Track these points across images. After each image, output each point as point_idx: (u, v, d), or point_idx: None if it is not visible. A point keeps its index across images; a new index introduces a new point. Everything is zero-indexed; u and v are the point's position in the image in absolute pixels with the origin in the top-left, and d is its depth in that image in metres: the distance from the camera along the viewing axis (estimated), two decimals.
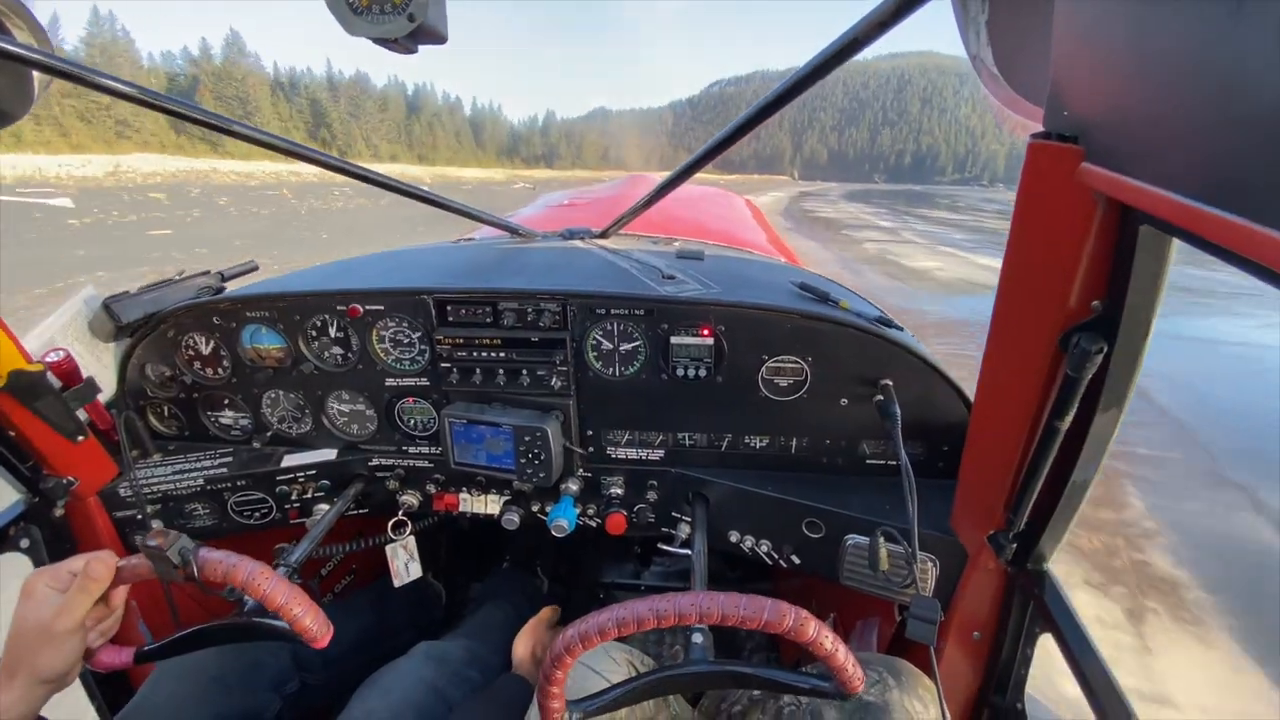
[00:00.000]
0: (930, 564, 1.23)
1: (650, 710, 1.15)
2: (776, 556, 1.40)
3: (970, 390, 1.30)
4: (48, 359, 1.27)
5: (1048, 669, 1.09)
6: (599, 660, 1.21)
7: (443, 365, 1.41)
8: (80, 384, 1.32)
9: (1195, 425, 6.01)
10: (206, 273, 1.65)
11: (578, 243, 1.98)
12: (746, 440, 1.43)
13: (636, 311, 1.34)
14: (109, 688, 1.45)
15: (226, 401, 1.56)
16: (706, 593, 0.82)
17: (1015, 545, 1.07)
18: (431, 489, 1.56)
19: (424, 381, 1.47)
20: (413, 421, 1.53)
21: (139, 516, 1.45)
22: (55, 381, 1.26)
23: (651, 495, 1.48)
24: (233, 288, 1.63)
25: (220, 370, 1.51)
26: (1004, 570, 1.15)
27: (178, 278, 1.58)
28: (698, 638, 1.06)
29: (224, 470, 1.49)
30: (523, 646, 1.46)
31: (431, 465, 1.55)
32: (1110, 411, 0.84)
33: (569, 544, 1.44)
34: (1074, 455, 0.91)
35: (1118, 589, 3.60)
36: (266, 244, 16.68)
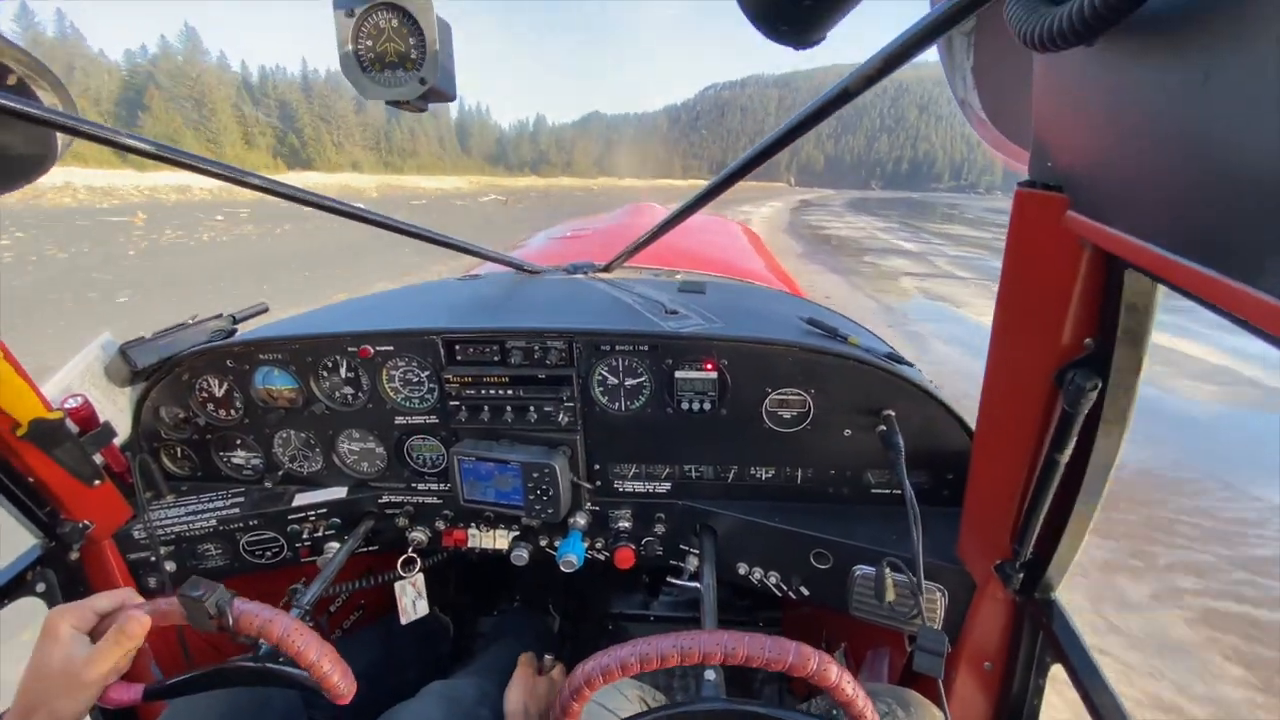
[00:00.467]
0: (939, 593, 1.24)
1: None
2: (785, 588, 1.41)
3: (969, 418, 1.32)
4: (66, 405, 1.29)
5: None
6: (608, 695, 1.21)
7: (451, 403, 1.44)
8: (97, 428, 1.35)
9: None
10: (219, 316, 1.68)
11: (581, 277, 2.01)
12: (752, 472, 1.44)
13: (641, 347, 1.37)
14: None
15: (239, 442, 1.58)
16: (731, 632, 0.83)
17: (1022, 574, 1.08)
18: (440, 525, 1.58)
19: (433, 419, 1.49)
20: (422, 458, 1.55)
21: (153, 559, 1.47)
22: (73, 427, 1.29)
23: (659, 528, 1.49)
24: (244, 329, 1.67)
25: (233, 411, 1.53)
26: (1012, 600, 1.15)
27: (191, 322, 1.62)
28: (710, 674, 1.06)
29: (236, 510, 1.51)
30: (515, 698, 1.39)
31: (440, 501, 1.56)
32: (1109, 442, 0.86)
33: (577, 576, 1.44)
34: (1076, 485, 0.92)
35: None
36: None
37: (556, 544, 1.49)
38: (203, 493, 1.57)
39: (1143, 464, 5.21)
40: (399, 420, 1.50)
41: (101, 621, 0.97)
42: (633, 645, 0.85)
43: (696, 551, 1.46)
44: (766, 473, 1.44)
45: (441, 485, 1.55)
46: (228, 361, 1.48)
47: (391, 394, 1.48)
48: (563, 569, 1.42)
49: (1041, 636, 1.11)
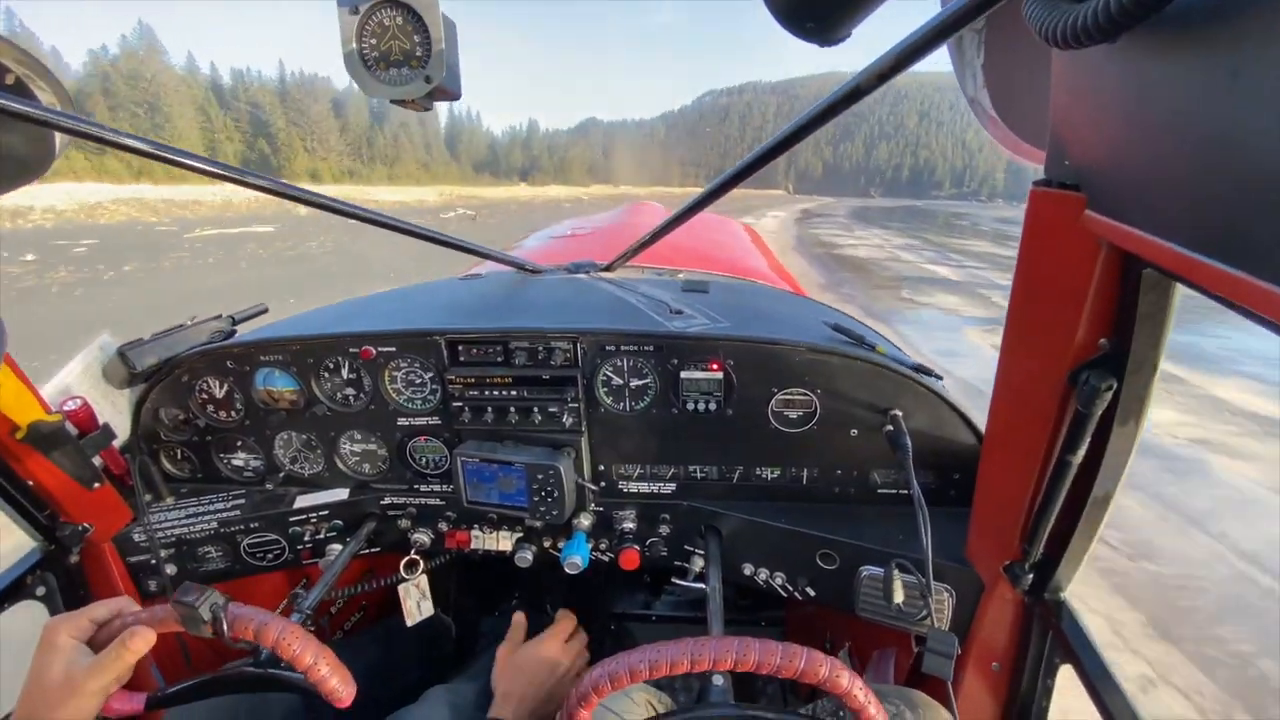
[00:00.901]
0: (946, 594, 1.23)
1: None
2: (791, 589, 1.40)
3: (975, 419, 1.32)
4: (65, 407, 1.28)
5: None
6: (614, 699, 1.20)
7: (454, 404, 1.43)
8: (96, 431, 1.33)
9: None
10: (218, 317, 1.67)
11: (583, 277, 2.00)
12: (758, 472, 1.44)
13: (646, 348, 1.36)
14: None
15: (239, 443, 1.57)
16: (742, 638, 0.82)
17: (1032, 575, 1.07)
18: (443, 527, 1.57)
19: (436, 420, 1.48)
20: (424, 460, 1.53)
21: (153, 561, 1.45)
22: (72, 430, 1.28)
23: (664, 529, 1.48)
24: (243, 330, 1.65)
25: (233, 413, 1.52)
26: (1021, 600, 1.15)
27: (189, 323, 1.60)
28: (718, 679, 1.05)
29: (237, 512, 1.50)
30: (506, 679, 1.38)
31: (443, 503, 1.55)
32: (1123, 444, 0.85)
33: (580, 576, 1.43)
34: (1088, 485, 0.91)
35: None
36: None
37: (560, 545, 1.48)
38: (203, 495, 1.56)
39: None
40: (401, 421, 1.49)
41: (100, 630, 0.96)
42: (642, 651, 0.84)
43: (702, 552, 1.45)
44: (772, 473, 1.43)
45: (444, 487, 1.54)
46: (228, 363, 1.47)
47: (394, 395, 1.47)
48: (567, 571, 1.41)
49: (1051, 637, 1.10)
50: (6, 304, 12.91)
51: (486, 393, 1.41)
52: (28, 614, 1.29)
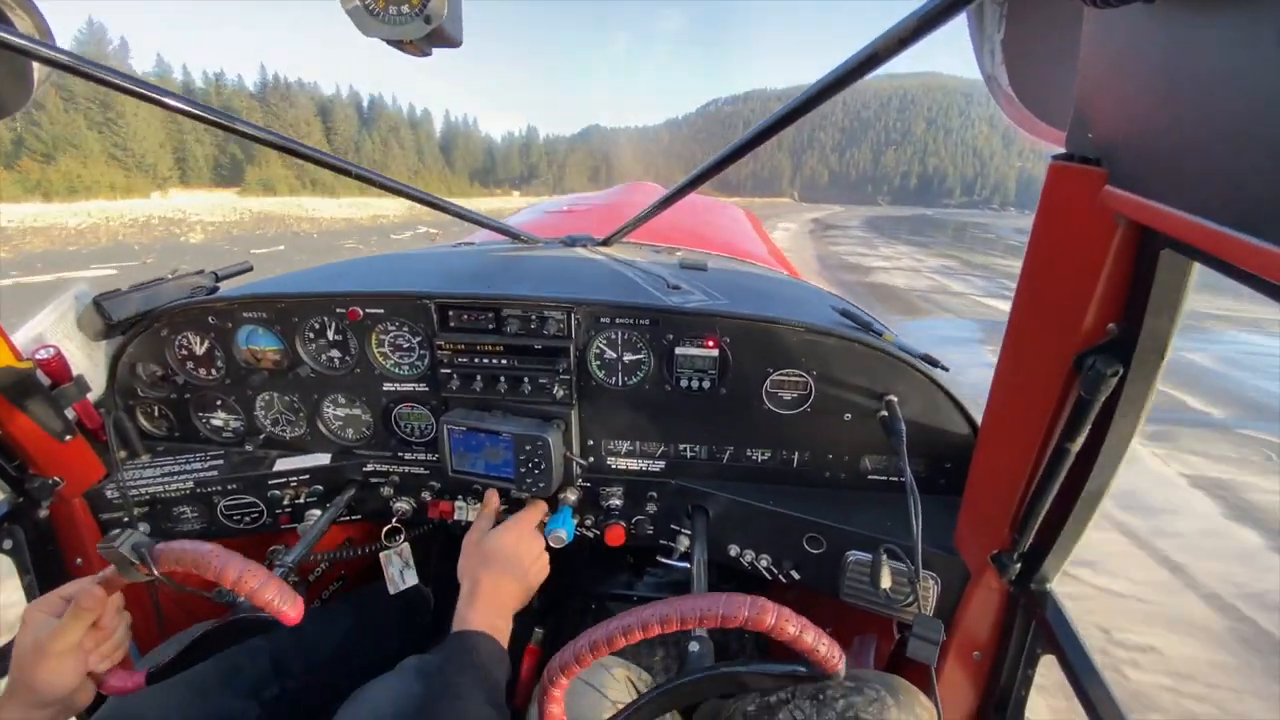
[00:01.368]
0: (932, 582, 1.22)
1: None
2: (776, 571, 1.39)
3: (971, 408, 1.30)
4: (37, 356, 1.24)
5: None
6: (595, 674, 1.19)
7: (443, 371, 1.39)
8: (69, 382, 1.29)
9: None
10: (200, 272, 1.62)
11: (580, 250, 1.96)
12: (748, 453, 1.42)
13: (642, 321, 1.33)
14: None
15: (219, 403, 1.53)
16: (666, 600, 0.82)
17: (1019, 565, 1.07)
18: (426, 496, 1.54)
19: (423, 387, 1.44)
20: (410, 427, 1.50)
21: (125, 519, 1.42)
22: (44, 379, 1.23)
23: (651, 507, 1.47)
24: (226, 288, 1.61)
25: (214, 371, 1.48)
26: (1006, 590, 1.15)
27: (170, 276, 1.55)
28: (694, 646, 1.05)
29: (214, 473, 1.46)
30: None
31: (427, 472, 1.52)
32: (1122, 433, 0.84)
33: (561, 554, 1.41)
34: (1083, 476, 0.90)
35: None
36: None
37: (546, 519, 1.46)
38: (180, 454, 1.52)
39: None
40: (387, 387, 1.45)
41: (68, 606, 0.98)
42: (584, 636, 0.85)
43: (688, 532, 1.44)
44: (763, 455, 1.42)
45: (429, 455, 1.51)
46: (209, 318, 1.42)
47: (380, 359, 1.44)
48: (551, 544, 1.39)
49: (1034, 627, 1.10)
50: None
51: (476, 360, 1.38)
52: None
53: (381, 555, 1.56)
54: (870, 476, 1.40)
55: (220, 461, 1.50)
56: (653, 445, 1.44)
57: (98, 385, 1.44)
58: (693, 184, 1.57)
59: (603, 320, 1.34)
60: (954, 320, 12.93)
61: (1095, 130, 0.67)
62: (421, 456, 1.52)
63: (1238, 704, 3.09)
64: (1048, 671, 1.09)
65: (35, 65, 1.11)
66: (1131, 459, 0.85)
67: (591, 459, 1.46)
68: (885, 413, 1.28)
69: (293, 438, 1.54)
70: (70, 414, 1.31)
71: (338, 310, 1.39)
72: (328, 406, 1.50)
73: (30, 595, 1.34)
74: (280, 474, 1.48)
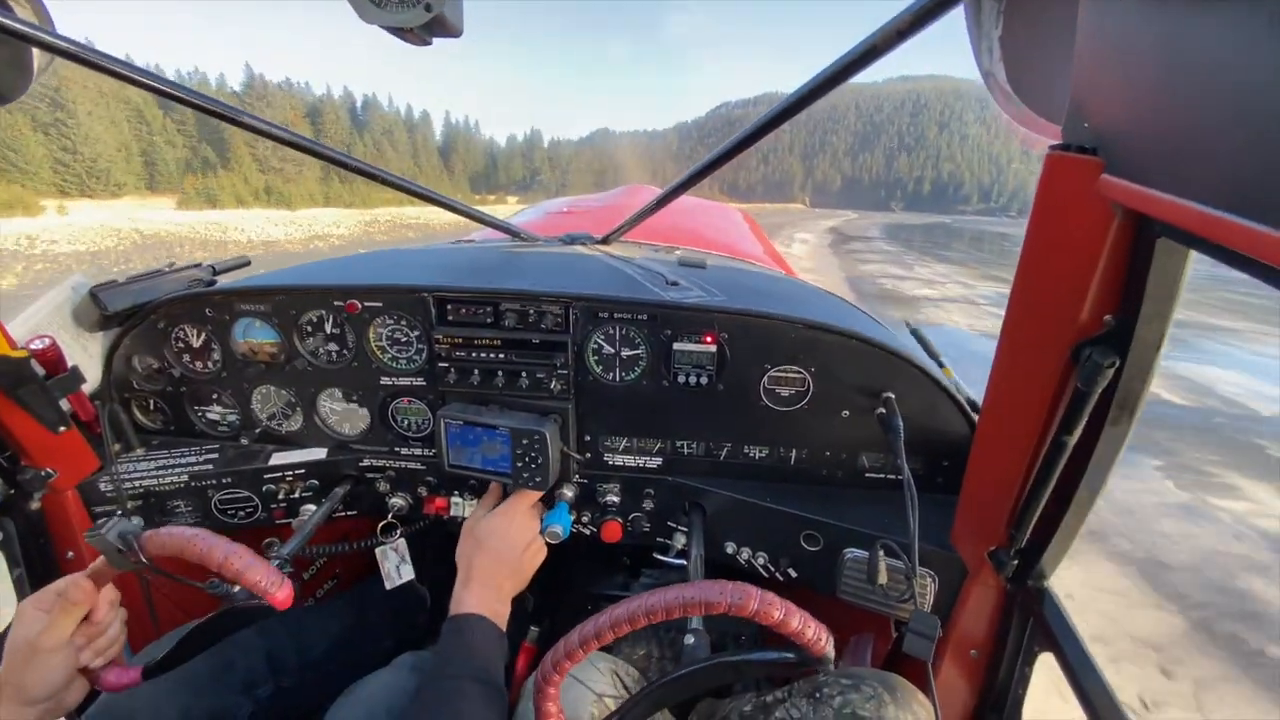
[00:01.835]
0: (929, 579, 1.22)
1: None
2: (773, 569, 1.38)
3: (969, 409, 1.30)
4: (32, 346, 1.23)
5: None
6: (581, 669, 1.19)
7: (440, 365, 1.39)
8: (64, 373, 1.28)
9: None
10: (198, 265, 1.62)
11: (579, 247, 1.96)
12: (746, 450, 1.42)
13: (640, 316, 1.33)
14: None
15: (215, 396, 1.52)
16: (649, 593, 0.82)
17: (1016, 562, 1.07)
18: (422, 492, 1.53)
19: (420, 381, 1.44)
20: (406, 422, 1.50)
21: (119, 512, 1.41)
22: (39, 369, 1.23)
23: (648, 504, 1.46)
24: (224, 281, 1.60)
25: (210, 364, 1.47)
26: (1003, 587, 1.14)
27: (167, 269, 1.55)
28: (690, 639, 1.04)
29: (209, 467, 1.45)
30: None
31: (424, 467, 1.52)
32: (1119, 426, 0.84)
33: (556, 552, 1.41)
34: (1080, 471, 0.90)
35: None
36: None
37: (542, 516, 1.46)
38: (174, 447, 1.51)
39: None
40: (384, 381, 1.45)
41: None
42: (578, 630, 0.84)
43: (684, 529, 1.43)
44: (760, 452, 1.41)
45: (425, 450, 1.51)
46: (207, 310, 1.42)
47: (378, 353, 1.43)
48: (548, 541, 1.38)
49: (1031, 624, 1.09)
50: None
51: (474, 354, 1.38)
52: None
53: (377, 550, 1.55)
54: (868, 474, 1.40)
55: (215, 455, 1.49)
56: (650, 441, 1.44)
57: (93, 377, 1.43)
58: (693, 179, 1.57)
59: (601, 315, 1.34)
60: None
61: (1091, 119, 0.68)
62: (418, 451, 1.51)
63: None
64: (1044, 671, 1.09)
65: (35, 52, 1.11)
66: None
67: (589, 454, 1.46)
68: (883, 410, 1.28)
69: (289, 432, 1.53)
70: (65, 405, 1.31)
71: (336, 303, 1.39)
72: (324, 400, 1.50)
73: (20, 589, 1.32)
74: (276, 468, 1.47)
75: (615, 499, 1.46)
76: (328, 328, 1.42)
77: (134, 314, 1.43)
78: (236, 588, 1.02)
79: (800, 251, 29.29)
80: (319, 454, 1.50)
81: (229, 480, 1.46)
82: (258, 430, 1.53)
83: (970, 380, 1.42)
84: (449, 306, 1.37)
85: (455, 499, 1.51)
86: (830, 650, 0.81)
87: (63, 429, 1.29)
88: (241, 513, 1.49)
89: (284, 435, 1.53)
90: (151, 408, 1.54)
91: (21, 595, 1.30)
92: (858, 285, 19.24)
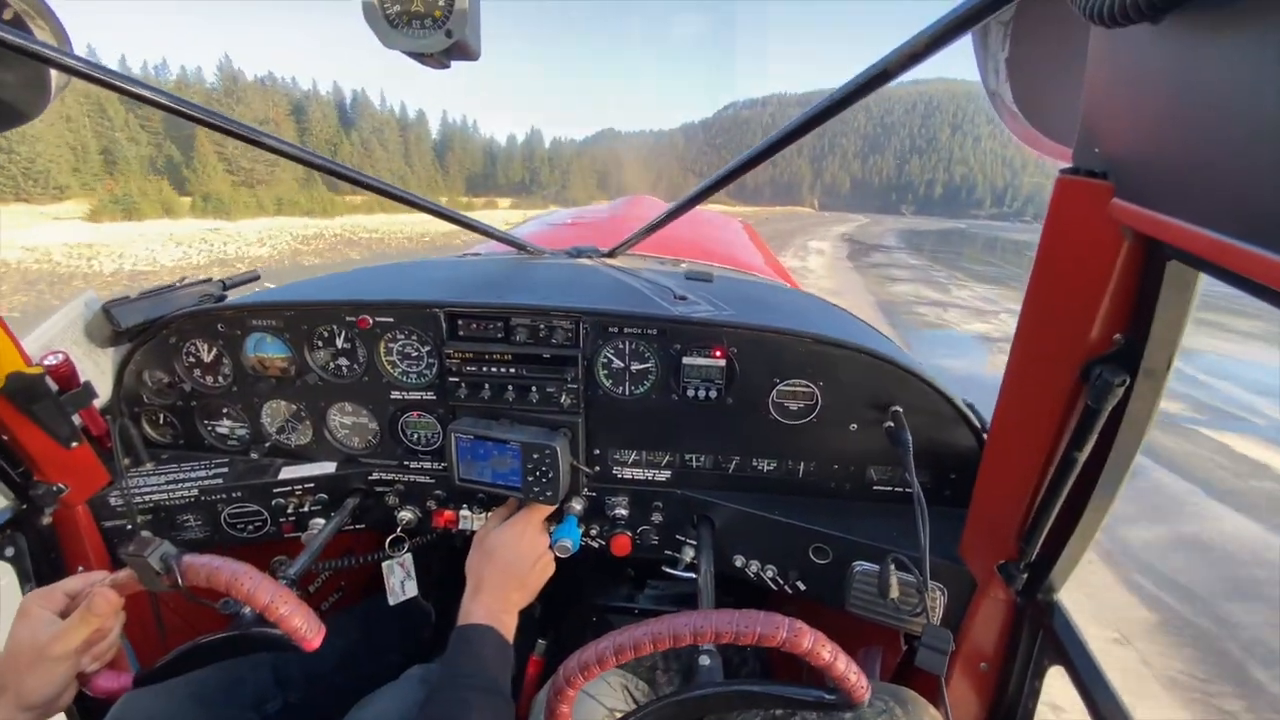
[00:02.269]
0: (939, 593, 1.23)
1: None
2: (781, 582, 1.39)
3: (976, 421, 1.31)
4: (46, 362, 1.24)
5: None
6: (591, 684, 1.19)
7: (451, 380, 1.40)
8: (77, 388, 1.29)
9: None
10: (208, 280, 1.63)
11: (586, 261, 1.98)
12: (754, 463, 1.42)
13: (650, 331, 1.34)
14: (88, 711, 1.39)
15: (225, 410, 1.52)
16: (700, 612, 0.82)
17: (1026, 575, 1.07)
18: (431, 505, 1.54)
19: (431, 396, 1.45)
20: (416, 436, 1.50)
21: (129, 526, 1.41)
22: (52, 385, 1.23)
23: (657, 517, 1.47)
24: (234, 296, 1.61)
25: (221, 379, 1.48)
26: (1013, 600, 1.15)
27: (179, 284, 1.56)
28: (705, 660, 1.04)
29: (219, 481, 1.46)
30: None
31: (433, 481, 1.52)
32: (1129, 443, 0.85)
33: (564, 565, 1.41)
34: (1090, 485, 0.91)
35: None
36: None
37: (552, 529, 1.46)
38: (184, 461, 1.51)
39: None
40: (395, 395, 1.46)
41: (72, 602, 0.96)
42: (607, 639, 0.85)
43: (693, 542, 1.44)
44: (768, 465, 1.42)
45: (435, 464, 1.51)
46: (218, 326, 1.43)
47: (389, 367, 1.44)
48: (557, 554, 1.39)
49: (1041, 638, 1.10)
50: None
51: (485, 369, 1.39)
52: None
53: (384, 565, 1.56)
54: (876, 487, 1.40)
55: (225, 469, 1.49)
56: (659, 455, 1.45)
57: (104, 392, 1.44)
58: (701, 196, 1.59)
59: (611, 330, 1.35)
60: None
61: (1102, 144, 0.69)
62: (427, 465, 1.51)
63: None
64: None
65: (53, 73, 1.13)
66: None
67: (598, 468, 1.47)
68: (891, 423, 1.29)
69: (298, 446, 1.54)
70: (77, 420, 1.31)
71: (347, 319, 1.40)
72: (334, 414, 1.50)
73: None
74: (285, 482, 1.47)
75: (624, 512, 1.47)
76: (339, 343, 1.43)
77: (146, 329, 1.44)
78: (246, 609, 1.02)
79: (817, 265, 27.40)
80: (329, 468, 1.51)
81: (239, 495, 1.46)
82: (267, 444, 1.54)
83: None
84: (460, 321, 1.38)
85: (464, 512, 1.51)
86: (869, 699, 0.81)
87: (74, 444, 1.29)
88: (250, 527, 1.50)
89: (294, 449, 1.54)
90: (161, 422, 1.55)
91: None
92: (892, 314, 16.08)
